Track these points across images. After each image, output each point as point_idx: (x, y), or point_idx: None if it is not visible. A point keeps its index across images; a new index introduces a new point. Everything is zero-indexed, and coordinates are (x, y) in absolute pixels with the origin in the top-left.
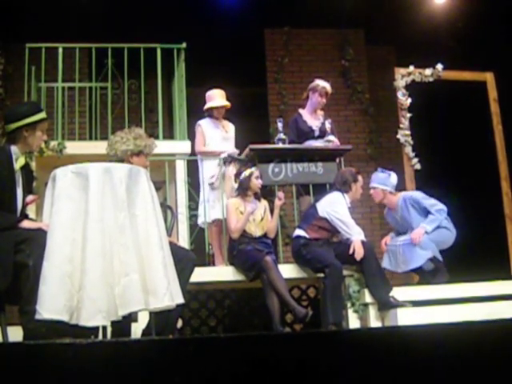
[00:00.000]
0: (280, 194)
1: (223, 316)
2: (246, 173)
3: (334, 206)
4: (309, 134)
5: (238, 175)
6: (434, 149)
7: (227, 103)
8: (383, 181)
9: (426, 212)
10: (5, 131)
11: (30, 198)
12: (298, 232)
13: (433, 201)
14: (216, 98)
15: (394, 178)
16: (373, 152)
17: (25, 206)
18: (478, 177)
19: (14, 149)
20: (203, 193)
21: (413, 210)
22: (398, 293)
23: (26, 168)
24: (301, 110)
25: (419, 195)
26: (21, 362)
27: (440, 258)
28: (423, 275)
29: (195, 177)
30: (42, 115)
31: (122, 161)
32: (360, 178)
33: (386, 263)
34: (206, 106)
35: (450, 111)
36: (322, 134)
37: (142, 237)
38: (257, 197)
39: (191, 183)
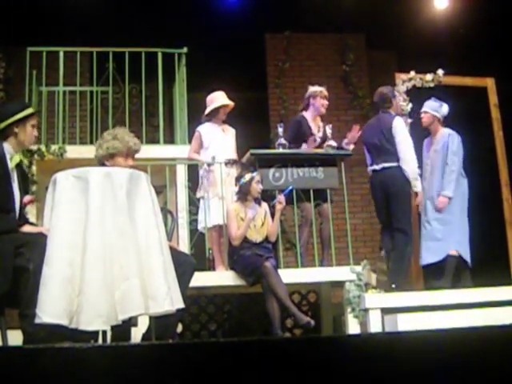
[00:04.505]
0: (281, 197)
1: (223, 321)
2: (247, 177)
3: (398, 129)
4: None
5: (238, 179)
6: None
7: (231, 102)
8: (435, 108)
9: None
10: None
11: (27, 198)
12: (389, 163)
13: (454, 156)
14: (219, 98)
15: (445, 108)
16: None
17: (23, 206)
18: (479, 183)
19: (7, 147)
20: (204, 197)
21: (442, 153)
22: (398, 298)
23: (20, 167)
24: (305, 114)
25: (455, 144)
26: (20, 366)
27: (468, 259)
28: (428, 277)
29: (196, 181)
30: (31, 110)
31: (102, 164)
32: (396, 92)
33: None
34: (212, 107)
35: (450, 117)
36: (322, 141)
37: (142, 241)
38: (257, 201)
39: (192, 188)
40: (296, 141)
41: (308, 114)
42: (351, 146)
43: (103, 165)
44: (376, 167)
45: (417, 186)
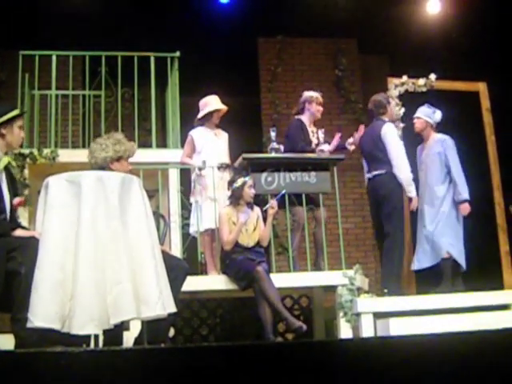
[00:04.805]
0: (273, 202)
1: (215, 325)
2: (239, 182)
3: (388, 136)
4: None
5: (230, 184)
6: None
7: (225, 106)
8: (428, 114)
9: (444, 164)
10: None
11: (16, 200)
12: (379, 171)
13: (456, 161)
14: (213, 102)
15: (438, 115)
16: None
17: (14, 208)
18: (471, 187)
19: None
20: (196, 202)
21: (438, 158)
22: (390, 302)
23: (7, 169)
24: (302, 118)
25: (451, 149)
26: (12, 371)
27: (462, 262)
28: (423, 282)
29: (188, 185)
30: (17, 111)
31: (103, 168)
32: (390, 99)
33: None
34: (206, 111)
35: (442, 121)
36: (316, 146)
37: (134, 245)
38: (249, 205)
39: (184, 192)
40: (301, 144)
41: (305, 119)
42: (352, 147)
43: (104, 168)
44: (369, 175)
45: (411, 191)
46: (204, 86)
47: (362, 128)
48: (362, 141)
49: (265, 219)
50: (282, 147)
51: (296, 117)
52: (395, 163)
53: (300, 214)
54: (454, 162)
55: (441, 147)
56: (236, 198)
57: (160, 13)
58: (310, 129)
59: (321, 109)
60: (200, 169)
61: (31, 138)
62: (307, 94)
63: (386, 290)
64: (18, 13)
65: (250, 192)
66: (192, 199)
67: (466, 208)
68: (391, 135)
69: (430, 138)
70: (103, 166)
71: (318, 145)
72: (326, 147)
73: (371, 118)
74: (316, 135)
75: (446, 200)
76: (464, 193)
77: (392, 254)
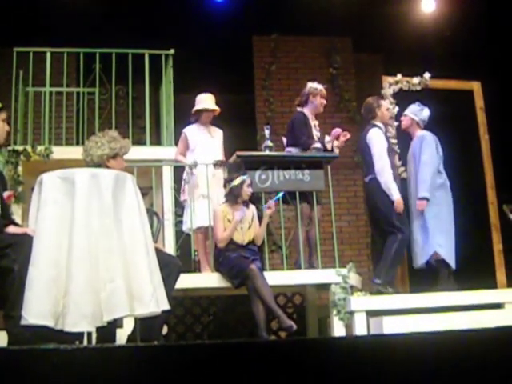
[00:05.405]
0: (271, 203)
1: (208, 323)
2: (238, 180)
3: (372, 141)
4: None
5: (228, 182)
6: None
7: (215, 107)
8: (415, 111)
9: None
10: None
11: (5, 194)
12: (371, 175)
13: (426, 157)
14: (205, 101)
15: (426, 112)
16: (359, 160)
17: (5, 203)
18: (464, 186)
19: None
20: (189, 199)
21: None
22: (383, 300)
23: None
24: (305, 110)
25: (424, 144)
26: (5, 368)
27: (452, 262)
28: (420, 281)
29: (182, 183)
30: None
31: (99, 165)
32: (382, 101)
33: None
34: (195, 108)
35: (437, 120)
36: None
37: (127, 242)
38: (245, 203)
39: (178, 189)
40: (303, 139)
41: (308, 112)
42: (337, 151)
43: (100, 166)
44: (366, 179)
45: (392, 194)
46: (198, 83)
47: (346, 134)
48: (357, 147)
49: (259, 217)
50: (284, 139)
51: (299, 109)
52: (376, 168)
53: (304, 210)
54: (424, 157)
55: (420, 143)
56: (234, 197)
57: (155, 10)
58: (313, 122)
59: (324, 102)
60: (191, 167)
61: (25, 135)
62: (311, 85)
63: (377, 280)
64: (13, 9)
65: (247, 190)
66: (182, 197)
67: (421, 205)
68: (375, 139)
69: (415, 135)
70: (99, 164)
71: (320, 139)
72: (320, 145)
73: (365, 122)
74: (319, 129)
75: (432, 199)
76: (421, 191)
77: (391, 249)
